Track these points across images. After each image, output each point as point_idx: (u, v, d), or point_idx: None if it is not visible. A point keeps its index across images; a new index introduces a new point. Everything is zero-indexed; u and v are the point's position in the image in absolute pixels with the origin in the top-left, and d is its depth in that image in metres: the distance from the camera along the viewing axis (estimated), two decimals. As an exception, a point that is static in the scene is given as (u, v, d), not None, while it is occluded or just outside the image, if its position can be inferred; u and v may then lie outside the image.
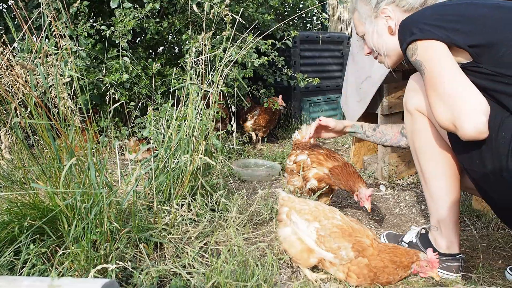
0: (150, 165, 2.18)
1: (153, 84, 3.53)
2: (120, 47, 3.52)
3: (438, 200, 1.87)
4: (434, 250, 1.92)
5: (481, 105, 1.45)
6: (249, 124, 4.49)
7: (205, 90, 2.52)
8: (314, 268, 1.91)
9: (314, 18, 6.55)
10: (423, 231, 2.06)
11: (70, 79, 1.95)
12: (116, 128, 3.92)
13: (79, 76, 2.15)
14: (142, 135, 3.42)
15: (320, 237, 1.76)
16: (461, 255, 1.91)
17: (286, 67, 4.18)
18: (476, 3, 1.62)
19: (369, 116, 3.43)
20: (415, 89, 1.85)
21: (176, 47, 4.56)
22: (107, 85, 3.44)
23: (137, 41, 4.38)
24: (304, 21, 6.56)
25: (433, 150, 1.83)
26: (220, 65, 2.56)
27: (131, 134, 3.85)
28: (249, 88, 4.08)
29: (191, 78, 2.56)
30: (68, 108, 1.92)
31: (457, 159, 1.75)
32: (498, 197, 1.59)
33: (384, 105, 3.24)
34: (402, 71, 3.21)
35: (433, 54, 1.56)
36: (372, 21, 1.94)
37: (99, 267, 1.46)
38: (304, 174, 2.48)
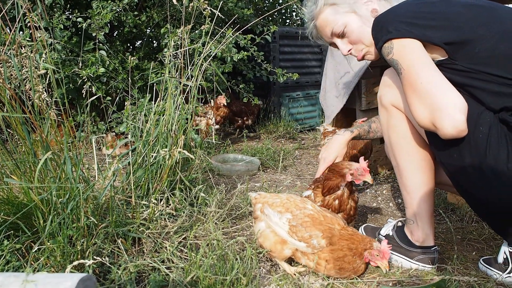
0: (127, 159, 2.16)
1: (129, 79, 3.49)
2: (97, 40, 3.46)
3: (414, 194, 1.90)
4: (410, 244, 1.97)
5: (460, 104, 1.47)
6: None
7: (183, 84, 2.50)
8: (293, 262, 1.93)
9: (294, 13, 6.56)
10: (400, 224, 2.10)
11: (45, 71, 1.91)
12: (93, 123, 3.86)
13: (55, 69, 2.10)
14: (119, 130, 3.37)
15: (292, 227, 1.78)
16: (436, 247, 1.95)
17: (265, 62, 4.18)
18: (449, 0, 1.64)
19: (347, 111, 3.46)
20: (390, 85, 1.87)
21: (154, 41, 4.51)
22: (83, 78, 3.38)
23: (114, 35, 4.31)
24: (284, 17, 6.57)
25: (409, 144, 1.86)
26: (199, 59, 2.55)
27: (108, 129, 3.80)
28: (229, 83, 4.06)
29: (169, 72, 2.54)
30: (43, 101, 1.88)
31: (435, 154, 1.78)
32: (475, 191, 1.62)
33: (363, 100, 3.27)
34: (380, 67, 3.24)
35: (409, 53, 1.57)
36: (358, 7, 1.90)
37: (75, 262, 1.44)
38: None
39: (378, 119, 2.44)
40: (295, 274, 1.84)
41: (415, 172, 1.88)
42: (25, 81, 1.90)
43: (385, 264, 1.71)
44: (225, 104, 4.30)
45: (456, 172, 1.65)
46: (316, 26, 2.05)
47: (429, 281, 1.79)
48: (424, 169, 1.88)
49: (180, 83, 2.51)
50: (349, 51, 1.99)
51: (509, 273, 1.77)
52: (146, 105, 2.65)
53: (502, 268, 1.80)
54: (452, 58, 1.56)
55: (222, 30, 2.94)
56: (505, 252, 1.80)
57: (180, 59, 2.57)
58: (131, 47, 4.55)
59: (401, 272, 1.90)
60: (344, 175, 2.00)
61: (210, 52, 2.67)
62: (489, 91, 1.53)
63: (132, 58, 2.82)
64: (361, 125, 2.47)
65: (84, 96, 2.95)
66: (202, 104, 4.04)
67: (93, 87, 3.41)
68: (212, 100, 3.92)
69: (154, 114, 2.37)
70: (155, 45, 4.52)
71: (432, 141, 1.70)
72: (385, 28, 1.62)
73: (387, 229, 2.12)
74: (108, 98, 3.49)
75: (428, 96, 1.50)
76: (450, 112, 1.46)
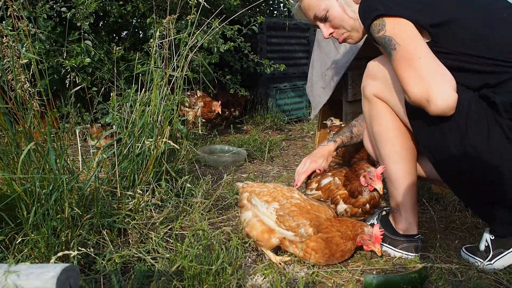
0: (112, 150, 2.14)
1: (115, 69, 3.45)
2: (82, 30, 3.41)
3: (397, 183, 1.92)
4: (394, 232, 1.99)
5: (453, 82, 1.53)
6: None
7: (169, 75, 2.49)
8: (279, 251, 1.94)
9: (281, 5, 6.54)
10: (384, 213, 2.12)
11: (27, 61, 1.88)
12: (78, 114, 3.82)
13: (38, 59, 2.07)
14: (105, 121, 3.34)
15: (280, 216, 1.80)
16: (419, 235, 1.98)
17: (252, 53, 4.16)
18: None
19: (334, 102, 3.47)
20: (373, 75, 1.89)
21: (140, 32, 4.47)
22: (68, 68, 3.33)
23: (100, 25, 4.25)
24: (271, 8, 6.54)
25: (392, 134, 1.88)
26: (185, 50, 2.53)
27: (93, 120, 3.76)
28: (215, 74, 4.05)
29: (155, 63, 2.52)
30: (26, 91, 1.85)
31: (418, 139, 1.81)
32: (459, 173, 1.66)
33: (349, 91, 3.29)
34: (366, 59, 3.25)
35: (404, 30, 1.60)
36: None
37: (60, 254, 1.43)
38: (334, 196, 2.08)
39: (357, 121, 2.44)
40: (280, 263, 1.85)
41: (398, 162, 1.90)
42: (7, 71, 1.87)
43: (378, 248, 1.76)
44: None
45: (439, 153, 1.69)
46: (300, 8, 2.05)
47: (411, 268, 1.82)
48: (407, 159, 1.90)
49: (166, 73, 2.49)
50: (330, 34, 2.01)
51: (490, 260, 1.80)
52: (132, 96, 2.63)
53: (483, 255, 1.83)
54: (435, 41, 1.60)
55: (208, 21, 2.92)
56: (486, 240, 1.83)
57: (165, 50, 2.55)
58: (116, 37, 4.50)
59: (384, 260, 1.93)
60: (358, 175, 1.97)
61: (196, 42, 2.66)
62: (471, 71, 1.59)
63: (117, 49, 2.79)
64: (342, 132, 2.44)
65: (68, 86, 2.92)
66: (189, 94, 4.02)
67: (78, 77, 3.37)
68: (198, 91, 3.90)
69: (139, 104, 2.36)
70: (141, 35, 4.48)
71: (415, 123, 1.74)
72: (373, 6, 1.64)
73: (371, 218, 2.15)
74: (94, 88, 3.45)
75: (426, 71, 1.54)
76: (446, 88, 1.52)
